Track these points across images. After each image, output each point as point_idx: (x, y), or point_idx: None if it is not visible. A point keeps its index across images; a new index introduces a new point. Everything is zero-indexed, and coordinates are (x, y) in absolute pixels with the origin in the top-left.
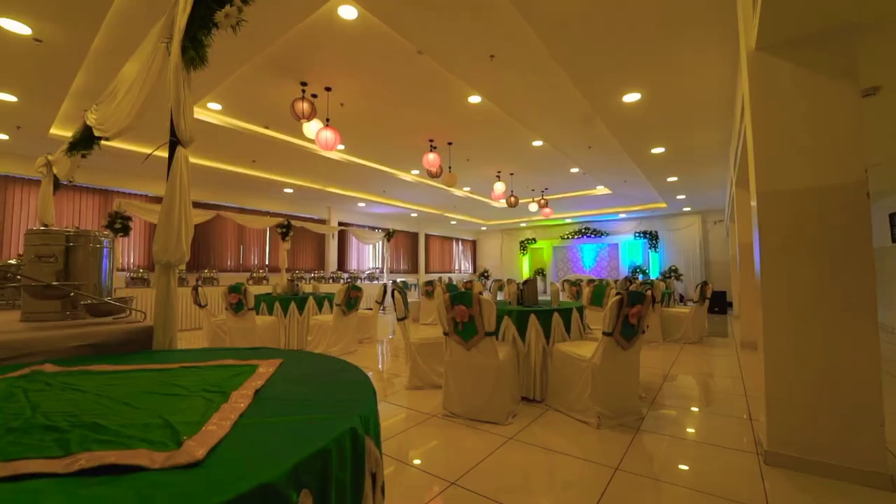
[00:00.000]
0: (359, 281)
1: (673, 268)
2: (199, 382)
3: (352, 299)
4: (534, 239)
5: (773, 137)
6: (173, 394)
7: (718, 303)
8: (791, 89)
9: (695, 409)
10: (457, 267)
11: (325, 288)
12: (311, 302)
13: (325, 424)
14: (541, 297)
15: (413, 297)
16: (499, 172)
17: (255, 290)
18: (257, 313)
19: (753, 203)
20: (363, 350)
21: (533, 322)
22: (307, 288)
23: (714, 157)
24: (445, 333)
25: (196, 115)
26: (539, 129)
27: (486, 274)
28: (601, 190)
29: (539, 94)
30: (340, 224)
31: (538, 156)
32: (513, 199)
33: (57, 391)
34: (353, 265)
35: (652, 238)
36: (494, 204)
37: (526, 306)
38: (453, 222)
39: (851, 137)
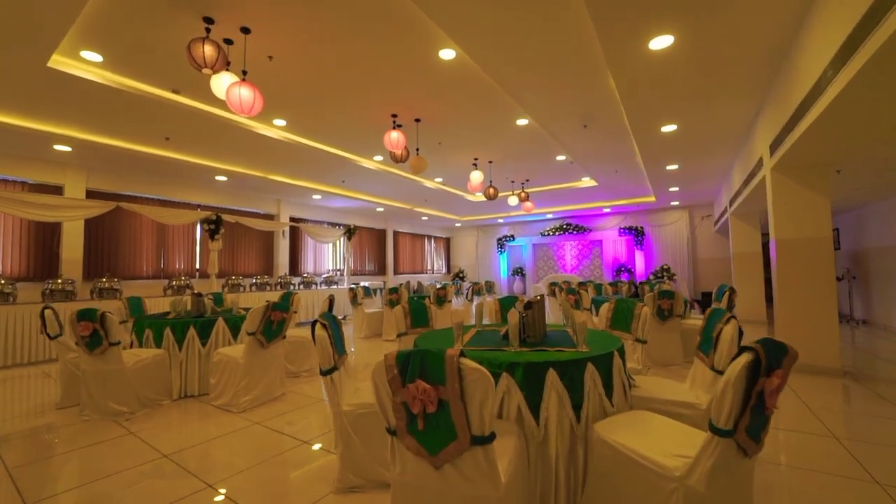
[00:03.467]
0: (314, 286)
1: (665, 267)
2: None
3: (273, 324)
4: (512, 236)
5: None
6: None
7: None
8: None
9: None
10: (429, 267)
11: (268, 297)
12: (220, 326)
13: None
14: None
15: (377, 304)
16: (475, 160)
17: (166, 303)
18: (141, 344)
19: None
20: (294, 394)
21: (552, 383)
22: (242, 300)
23: (731, 137)
24: (391, 431)
25: (62, 68)
26: (526, 101)
27: (461, 275)
28: (586, 182)
29: (532, 46)
30: (292, 220)
31: (522, 139)
32: (491, 190)
33: None
34: (308, 267)
35: (638, 234)
36: (470, 197)
37: (534, 345)
38: (424, 218)
39: None
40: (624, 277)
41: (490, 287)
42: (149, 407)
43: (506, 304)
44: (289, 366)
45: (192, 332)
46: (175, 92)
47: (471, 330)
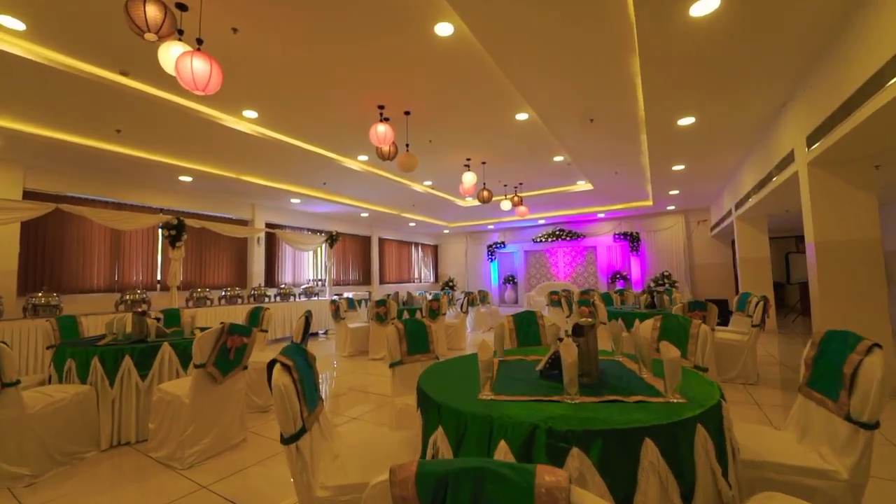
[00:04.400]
0: (292, 298)
1: (665, 273)
2: None
3: (230, 353)
4: (503, 243)
5: None
6: None
7: (720, 314)
8: None
9: None
10: (416, 275)
11: (240, 312)
12: (165, 353)
13: None
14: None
15: (362, 317)
16: (468, 160)
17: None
18: (61, 379)
19: None
20: (259, 438)
21: (651, 463)
22: (208, 316)
23: (749, 131)
24: None
25: None
26: (531, 89)
27: (451, 283)
28: (581, 186)
29: (546, 21)
30: (269, 226)
31: (519, 137)
32: (486, 193)
33: None
34: (286, 277)
35: (633, 240)
36: (460, 202)
37: (596, 391)
38: (412, 224)
39: None
40: (619, 284)
41: (484, 297)
42: (66, 464)
43: (523, 322)
44: (254, 398)
45: (127, 361)
46: (123, 74)
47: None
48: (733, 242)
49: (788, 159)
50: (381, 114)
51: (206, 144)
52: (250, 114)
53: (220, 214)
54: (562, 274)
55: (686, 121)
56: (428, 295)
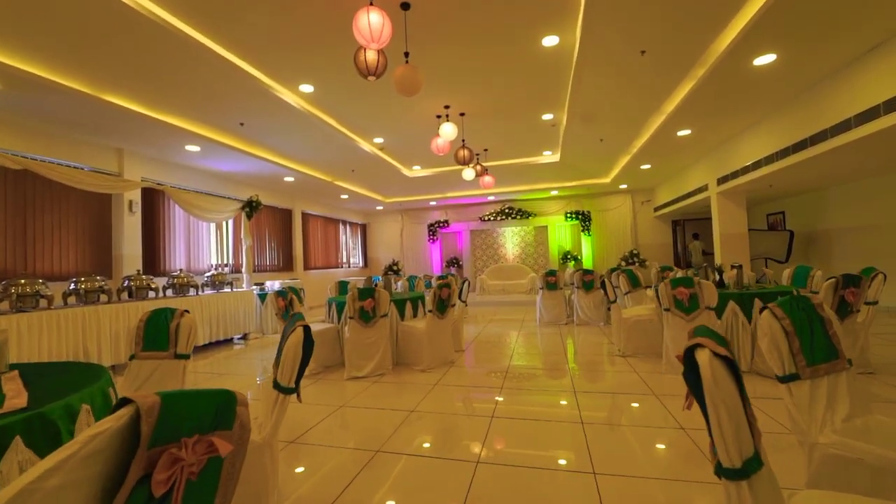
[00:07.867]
0: (194, 291)
1: (634, 251)
2: None
3: None
4: (446, 222)
5: None
6: None
7: None
8: None
9: None
10: (344, 259)
11: (103, 319)
12: None
13: None
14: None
15: (312, 315)
16: (447, 108)
17: None
18: None
19: None
20: None
21: None
22: (28, 338)
23: (814, 79)
24: None
25: None
26: None
27: (395, 268)
28: (546, 158)
29: None
30: (147, 181)
31: (529, 73)
32: (465, 152)
33: None
34: (178, 262)
35: (585, 219)
36: (406, 172)
37: None
38: (344, 196)
39: None
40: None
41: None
42: None
43: (803, 319)
44: None
45: None
46: None
47: None
48: (674, 223)
49: (875, 112)
50: None
51: (33, 14)
52: None
53: (63, 161)
54: (510, 255)
55: (764, 59)
56: (395, 278)
